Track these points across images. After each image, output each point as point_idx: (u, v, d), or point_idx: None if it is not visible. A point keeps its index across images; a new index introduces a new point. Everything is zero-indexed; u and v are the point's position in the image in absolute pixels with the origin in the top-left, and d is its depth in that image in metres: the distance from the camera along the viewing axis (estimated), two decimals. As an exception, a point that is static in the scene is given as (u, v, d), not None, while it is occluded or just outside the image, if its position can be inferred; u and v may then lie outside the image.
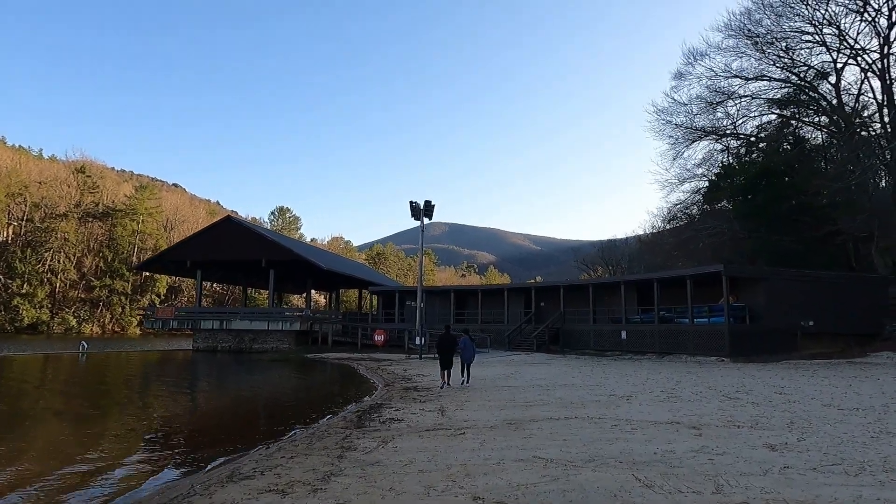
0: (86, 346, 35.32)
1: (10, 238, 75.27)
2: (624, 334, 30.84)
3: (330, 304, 69.87)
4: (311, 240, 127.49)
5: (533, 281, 72.05)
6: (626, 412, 9.74)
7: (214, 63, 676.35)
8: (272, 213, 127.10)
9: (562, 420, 9.01)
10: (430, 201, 37.72)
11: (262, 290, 78.36)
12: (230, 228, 39.28)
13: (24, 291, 70.36)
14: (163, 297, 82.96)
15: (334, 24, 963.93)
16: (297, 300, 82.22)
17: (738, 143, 42.16)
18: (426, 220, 38.47)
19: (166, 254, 41.73)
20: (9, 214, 75.52)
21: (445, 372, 14.97)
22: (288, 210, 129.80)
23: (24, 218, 77.17)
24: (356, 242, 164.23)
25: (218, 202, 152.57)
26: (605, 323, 33.46)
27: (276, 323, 37.57)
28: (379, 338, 36.48)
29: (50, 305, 73.84)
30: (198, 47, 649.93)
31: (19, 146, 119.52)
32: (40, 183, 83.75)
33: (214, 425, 10.48)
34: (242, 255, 38.04)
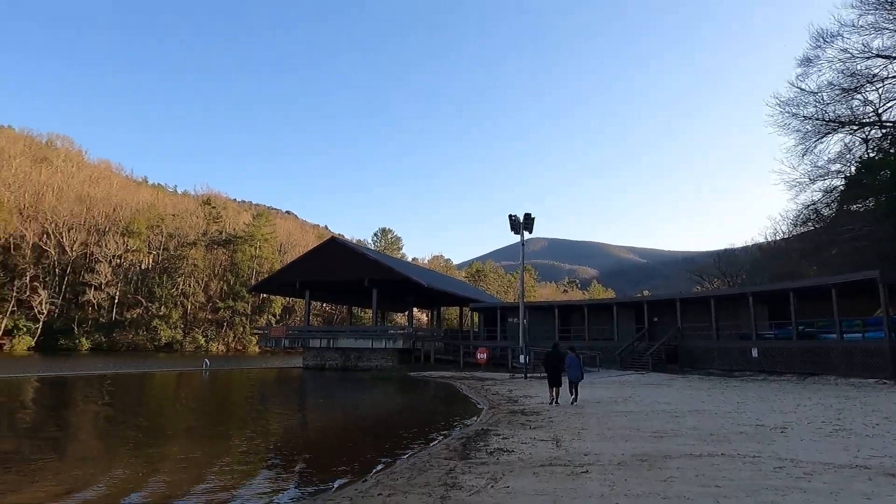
0: (208, 363, 37.85)
1: (150, 265, 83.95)
2: (755, 352, 27.46)
3: (432, 321, 70.25)
4: (413, 259, 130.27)
5: (643, 294, 67.76)
6: (785, 449, 7.98)
7: (321, 100, 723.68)
8: (375, 234, 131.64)
9: (705, 458, 7.50)
10: (529, 214, 36.55)
11: (367, 309, 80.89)
12: (335, 249, 40.55)
13: (161, 313, 77.83)
14: (278, 317, 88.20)
15: (419, 57, 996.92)
16: (399, 318, 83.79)
17: (883, 132, 36.68)
18: (526, 234, 37.28)
19: (278, 276, 43.92)
20: (149, 244, 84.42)
21: (554, 389, 15.10)
22: (390, 231, 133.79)
23: (161, 247, 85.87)
24: (456, 261, 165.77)
25: (326, 226, 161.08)
26: (730, 339, 30.12)
27: (379, 341, 37.95)
28: (481, 356, 35.57)
29: (183, 326, 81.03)
30: (306, 86, 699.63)
31: (158, 184, 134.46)
32: (174, 215, 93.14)
33: (322, 446, 10.09)
34: (347, 275, 39.02)
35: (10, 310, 68.77)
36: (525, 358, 29.92)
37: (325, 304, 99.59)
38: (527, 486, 6.06)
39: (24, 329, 68.83)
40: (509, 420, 12.10)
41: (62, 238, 76.69)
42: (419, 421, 14.15)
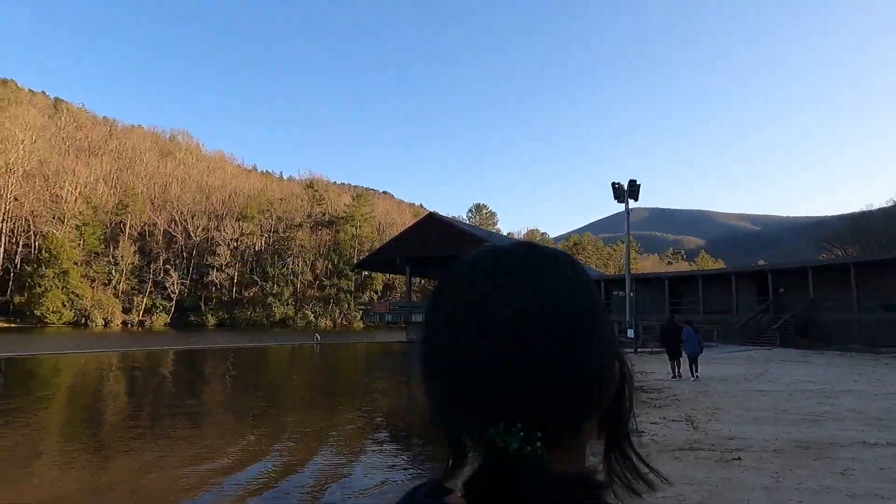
0: (319, 338, 39.86)
1: (262, 247, 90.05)
2: (908, 325, 24.06)
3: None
4: (508, 234, 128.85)
5: (762, 263, 62.13)
6: None
7: (418, 86, 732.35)
8: (469, 210, 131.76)
9: (884, 447, 6.34)
10: (634, 181, 34.46)
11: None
12: (432, 225, 40.80)
13: (275, 292, 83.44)
14: (379, 294, 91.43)
15: (521, 29, 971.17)
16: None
17: None
18: (631, 203, 35.24)
19: (379, 253, 45.12)
20: (261, 227, 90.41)
21: (674, 364, 14.60)
22: (484, 206, 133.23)
23: (272, 230, 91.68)
24: (552, 234, 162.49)
25: (421, 204, 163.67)
26: (874, 312, 26.61)
27: (479, 316, 37.85)
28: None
29: (294, 303, 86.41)
30: (398, 64, 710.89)
31: (266, 171, 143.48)
32: (281, 199, 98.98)
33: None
34: (445, 250, 39.13)
35: (148, 290, 76.97)
36: (634, 332, 28.40)
37: (423, 280, 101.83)
38: (672, 474, 5.36)
39: (161, 307, 76.83)
40: (629, 397, 11.25)
41: (187, 224, 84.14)
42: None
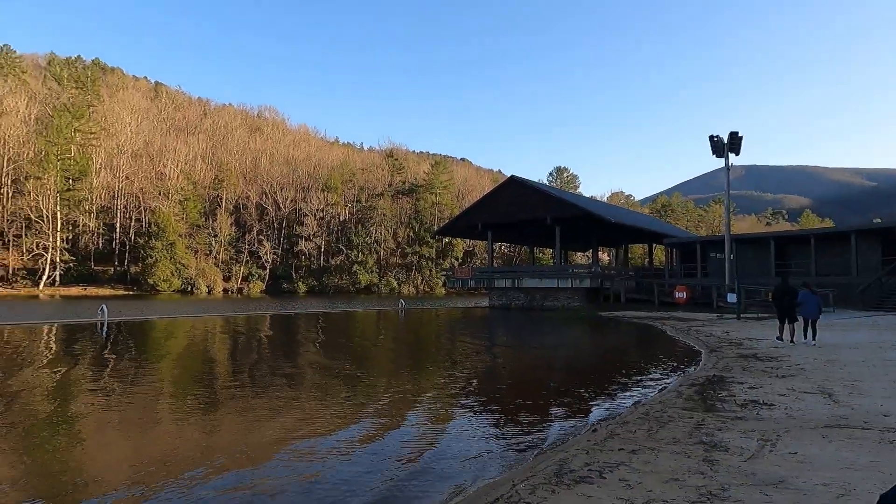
0: (403, 303, 40.53)
1: (347, 217, 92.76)
2: None
3: (616, 260, 66.74)
4: (591, 197, 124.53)
5: (877, 221, 55.61)
6: None
7: (495, 55, 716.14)
8: (550, 174, 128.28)
9: None
10: (736, 133, 31.61)
11: (545, 250, 79.83)
12: (515, 188, 39.72)
13: (359, 260, 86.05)
14: (460, 260, 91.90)
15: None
16: (580, 258, 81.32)
17: None
18: (732, 157, 32.46)
19: (460, 219, 44.75)
20: (345, 198, 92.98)
21: (788, 328, 13.75)
22: (565, 170, 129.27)
23: (355, 199, 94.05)
24: (638, 196, 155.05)
25: (500, 170, 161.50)
26: None
27: (565, 280, 36.74)
28: (680, 295, 32.37)
29: (377, 270, 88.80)
30: (477, 32, 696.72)
31: (347, 143, 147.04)
32: (362, 169, 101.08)
33: (524, 385, 9.45)
34: (528, 214, 38.10)
35: (245, 260, 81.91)
36: (736, 296, 26.30)
37: (504, 247, 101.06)
38: (825, 456, 4.52)
39: (256, 275, 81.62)
40: (743, 366, 10.16)
41: (276, 196, 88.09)
42: (626, 362, 12.84)
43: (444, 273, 65.37)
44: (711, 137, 32.63)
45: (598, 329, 23.21)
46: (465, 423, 6.72)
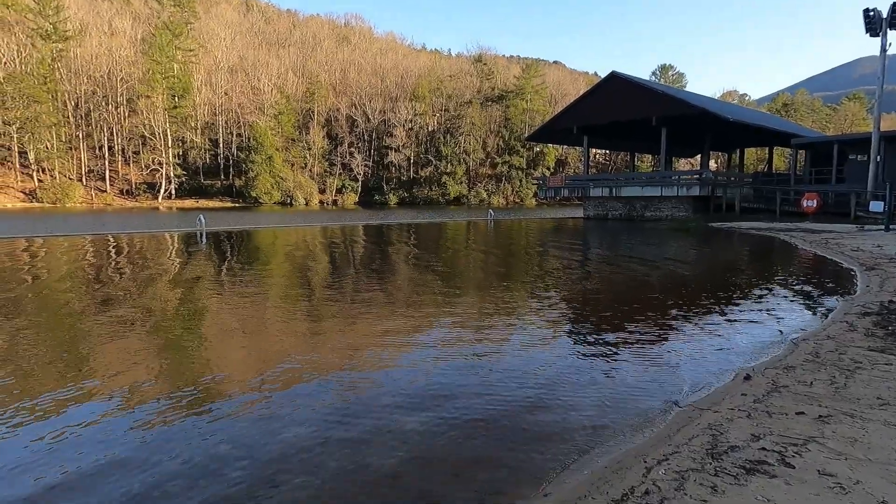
0: (492, 214, 39.32)
1: (435, 127, 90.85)
2: None
3: (728, 166, 60.46)
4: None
5: None
6: None
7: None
8: (653, 73, 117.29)
9: None
10: (902, 1, 25.83)
11: (645, 157, 74.05)
12: (616, 86, 35.78)
13: (448, 171, 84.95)
14: (552, 170, 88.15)
15: None
16: (683, 166, 74.84)
17: None
18: (862, 51, 26.86)
19: (553, 122, 41.61)
20: (433, 107, 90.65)
21: None
22: (670, 67, 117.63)
23: (443, 108, 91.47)
24: (754, 95, 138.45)
25: (596, 73, 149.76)
26: None
27: (670, 188, 33.45)
28: (809, 203, 28.34)
29: (467, 181, 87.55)
30: None
31: (434, 49, 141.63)
32: (450, 77, 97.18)
33: (627, 307, 8.04)
34: (630, 114, 34.41)
35: (338, 172, 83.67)
36: (883, 205, 22.39)
37: (599, 155, 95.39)
38: None
39: (349, 188, 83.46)
40: (923, 289, 8.01)
41: (365, 108, 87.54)
42: (754, 280, 10.85)
43: (535, 182, 62.73)
44: (866, 11, 26.95)
45: (712, 241, 20.72)
46: (564, 354, 5.50)
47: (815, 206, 28.05)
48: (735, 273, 12.39)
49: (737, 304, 8.02)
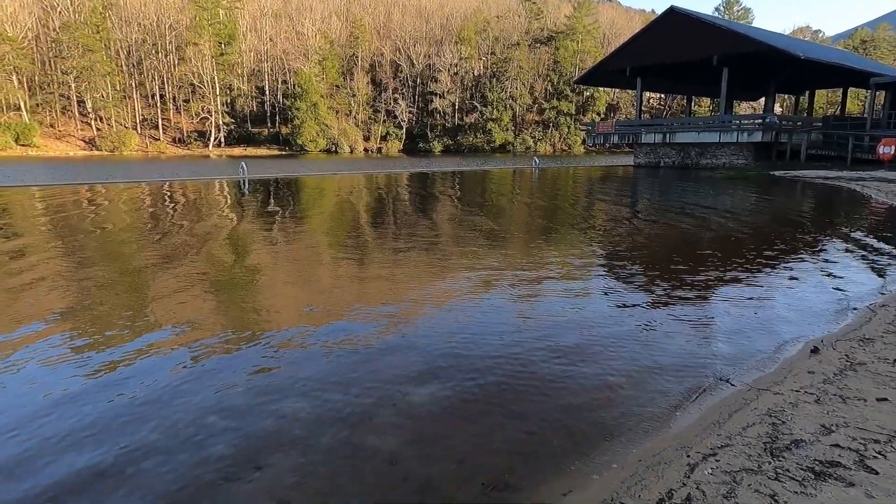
0: (538, 162, 38.09)
1: (481, 71, 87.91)
2: None
3: (795, 110, 56.12)
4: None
5: None
6: None
7: None
8: (716, 9, 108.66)
9: None
10: None
11: (702, 101, 69.68)
12: (674, 23, 33.13)
13: (494, 117, 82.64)
14: (602, 116, 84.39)
15: None
16: (744, 110, 70.06)
17: None
18: None
19: (606, 62, 39.21)
20: (479, 50, 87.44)
21: None
22: (736, 2, 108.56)
23: (489, 52, 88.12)
24: (829, 32, 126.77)
25: (653, 10, 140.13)
26: None
27: (729, 134, 31.27)
28: (886, 150, 25.91)
29: (513, 128, 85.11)
30: None
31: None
32: (497, 17, 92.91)
33: (677, 263, 7.40)
34: (689, 53, 31.95)
35: (382, 119, 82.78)
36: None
37: (653, 100, 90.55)
38: None
39: (394, 135, 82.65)
40: None
41: (409, 52, 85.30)
42: (822, 236, 9.90)
43: (584, 128, 60.18)
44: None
45: (773, 191, 19.26)
46: (602, 316, 5.02)
47: (892, 153, 25.64)
48: (798, 227, 11.36)
49: (800, 263, 7.24)
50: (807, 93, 49.21)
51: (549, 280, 6.31)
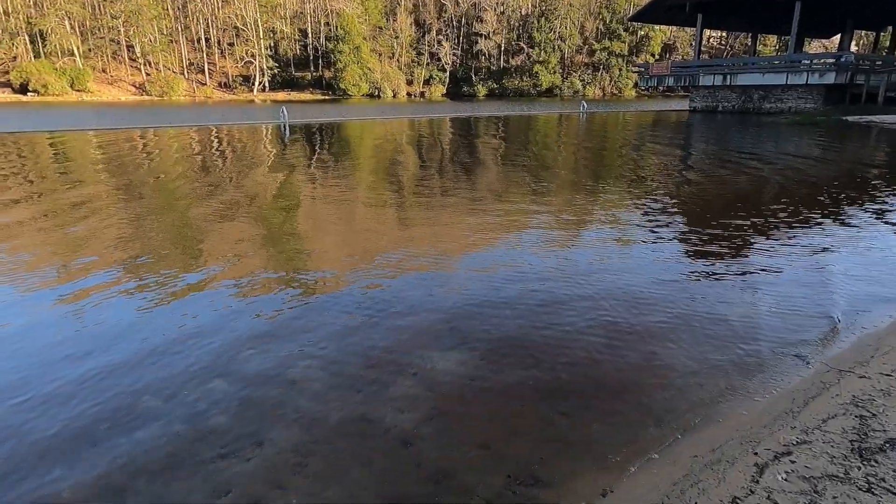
0: (585, 106, 36.33)
1: (529, 10, 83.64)
2: None
3: (875, 48, 51.17)
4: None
5: None
6: None
7: None
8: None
9: None
10: None
11: (768, 39, 64.42)
12: (744, -50, 30.15)
13: (541, 59, 79.11)
14: (657, 57, 79.51)
15: None
16: (815, 49, 64.46)
17: None
18: None
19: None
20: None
21: None
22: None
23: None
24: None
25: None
26: None
27: (798, 75, 28.76)
28: (980, 93, 23.28)
29: (560, 71, 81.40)
30: None
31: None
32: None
33: (737, 221, 6.75)
34: (760, -15, 29.18)
35: (425, 62, 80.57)
36: None
37: (713, 39, 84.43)
38: None
39: (437, 79, 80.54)
40: None
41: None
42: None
43: (637, 69, 56.87)
44: None
45: (846, 138, 17.65)
46: (651, 275, 4.55)
47: None
48: (875, 179, 10.28)
49: (879, 219, 6.47)
50: (889, 28, 44.56)
51: (593, 235, 5.83)
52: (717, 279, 4.32)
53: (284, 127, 22.35)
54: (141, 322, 3.55)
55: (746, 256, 4.94)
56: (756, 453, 2.02)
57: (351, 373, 2.86)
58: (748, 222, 6.26)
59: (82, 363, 2.99)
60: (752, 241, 5.46)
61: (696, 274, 4.48)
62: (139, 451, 2.22)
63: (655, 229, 6.12)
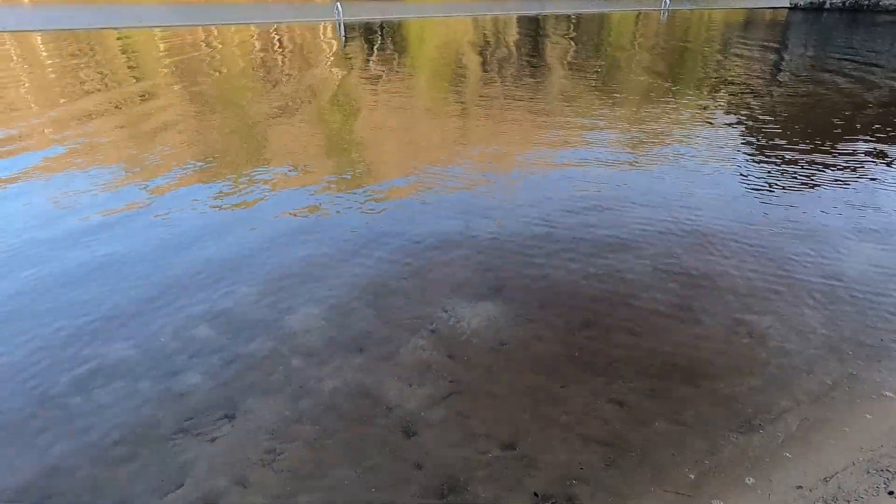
0: (668, 3, 32.75)
1: None
2: None
3: None
4: None
5: None
6: None
7: None
8: None
9: None
10: None
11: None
12: None
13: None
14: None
15: None
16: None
17: None
18: None
19: None
20: None
21: None
22: None
23: None
24: None
25: None
26: None
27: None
28: None
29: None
30: None
31: None
32: None
33: (829, 131, 5.78)
34: None
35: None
36: None
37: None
38: None
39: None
40: None
41: None
42: None
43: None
44: None
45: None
46: (735, 209, 3.90)
47: None
48: None
49: None
50: None
51: (666, 154, 5.11)
52: (816, 223, 3.58)
53: (339, 25, 21.35)
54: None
55: (858, 192, 4.17)
56: (887, 484, 1.52)
57: (358, 327, 2.44)
58: (847, 147, 5.32)
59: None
60: (847, 176, 4.62)
61: (799, 215, 3.77)
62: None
63: (739, 150, 5.29)
